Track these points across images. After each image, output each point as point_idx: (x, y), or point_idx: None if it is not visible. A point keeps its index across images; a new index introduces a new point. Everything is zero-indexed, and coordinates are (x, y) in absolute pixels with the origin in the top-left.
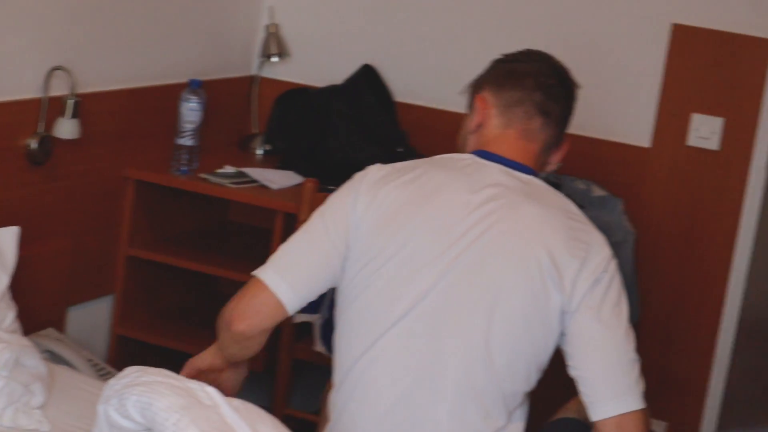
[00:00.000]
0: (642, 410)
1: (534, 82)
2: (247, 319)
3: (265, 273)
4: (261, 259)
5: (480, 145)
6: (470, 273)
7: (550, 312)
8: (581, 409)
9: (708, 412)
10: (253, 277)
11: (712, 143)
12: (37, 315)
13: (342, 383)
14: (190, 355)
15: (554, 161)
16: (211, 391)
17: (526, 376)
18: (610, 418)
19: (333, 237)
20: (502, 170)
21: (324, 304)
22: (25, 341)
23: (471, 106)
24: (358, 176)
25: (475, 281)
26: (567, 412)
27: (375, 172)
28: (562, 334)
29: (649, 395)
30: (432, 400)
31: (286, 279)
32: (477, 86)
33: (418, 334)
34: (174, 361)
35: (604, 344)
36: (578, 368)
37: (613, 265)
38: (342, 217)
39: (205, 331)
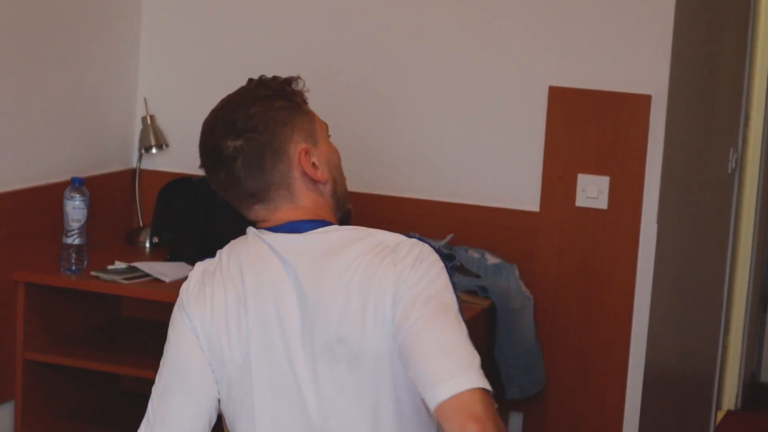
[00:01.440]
0: (482, 389)
1: (216, 159)
2: None
3: None
4: (159, 353)
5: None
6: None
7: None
8: None
9: None
10: None
11: (601, 202)
12: None
13: None
14: None
15: (308, 167)
16: None
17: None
18: (445, 401)
19: (188, 367)
20: (280, 241)
21: None
22: None
23: None
24: (181, 290)
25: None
26: None
27: (190, 282)
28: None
29: None
30: None
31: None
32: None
33: None
34: None
35: (429, 333)
36: (411, 367)
37: (425, 253)
38: (187, 341)
39: (110, 430)
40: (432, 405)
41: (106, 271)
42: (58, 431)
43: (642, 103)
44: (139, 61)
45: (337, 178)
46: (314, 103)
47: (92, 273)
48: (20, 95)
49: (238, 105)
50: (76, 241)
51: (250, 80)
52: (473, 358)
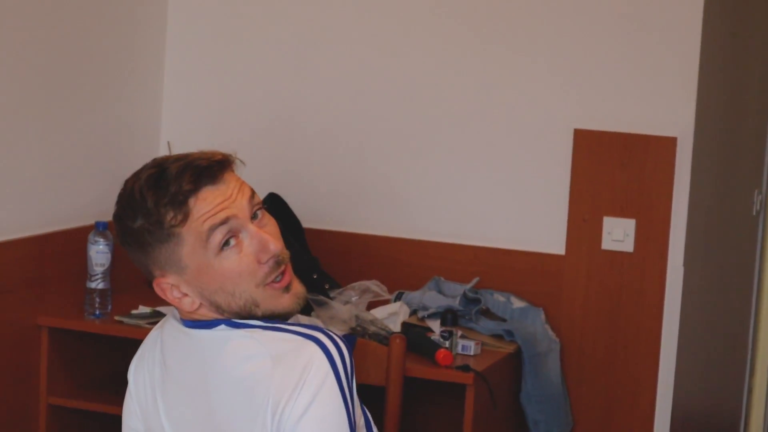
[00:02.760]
0: None
1: None
2: None
3: None
4: None
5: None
6: None
7: None
8: None
9: None
10: None
11: (627, 245)
12: None
13: None
14: None
15: (167, 297)
16: None
17: None
18: None
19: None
20: (175, 331)
21: None
22: None
23: None
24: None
25: None
26: None
27: (140, 348)
28: None
29: None
30: None
31: None
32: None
33: None
34: None
35: None
36: None
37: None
38: (128, 404)
39: None
40: None
41: (130, 315)
42: None
43: (668, 145)
44: (163, 104)
45: (222, 301)
46: (337, 148)
47: (116, 318)
48: (43, 140)
49: (121, 212)
50: (100, 286)
51: (149, 171)
52: None
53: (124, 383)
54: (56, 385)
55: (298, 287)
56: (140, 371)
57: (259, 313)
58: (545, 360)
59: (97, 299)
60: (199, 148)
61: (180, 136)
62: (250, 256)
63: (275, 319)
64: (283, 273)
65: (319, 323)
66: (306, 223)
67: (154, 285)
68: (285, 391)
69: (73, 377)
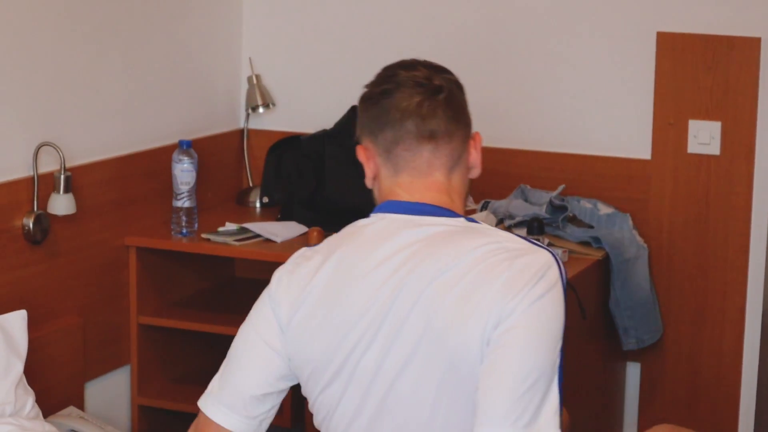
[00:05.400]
0: None
1: (399, 114)
2: None
3: (209, 408)
4: None
5: (381, 198)
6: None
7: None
8: None
9: (743, 418)
10: (200, 410)
11: (713, 148)
12: (56, 395)
13: None
14: None
15: (474, 164)
16: None
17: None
18: None
19: (268, 345)
20: (407, 224)
21: None
22: (47, 426)
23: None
24: (273, 279)
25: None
26: None
27: (277, 278)
28: None
29: (681, 407)
30: None
31: (233, 409)
32: (358, 134)
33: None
34: None
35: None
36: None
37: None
38: (269, 323)
39: None
40: None
41: (216, 233)
42: (175, 394)
43: (752, 45)
44: (243, 20)
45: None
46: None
47: (203, 235)
48: (126, 60)
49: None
50: (186, 204)
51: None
52: (536, 408)
53: (213, 300)
54: (146, 305)
55: None
56: (293, 282)
57: None
58: (634, 266)
59: (184, 217)
60: (282, 62)
61: (262, 51)
62: None
63: None
64: None
65: None
66: None
67: (476, 134)
68: (520, 280)
69: (163, 296)
